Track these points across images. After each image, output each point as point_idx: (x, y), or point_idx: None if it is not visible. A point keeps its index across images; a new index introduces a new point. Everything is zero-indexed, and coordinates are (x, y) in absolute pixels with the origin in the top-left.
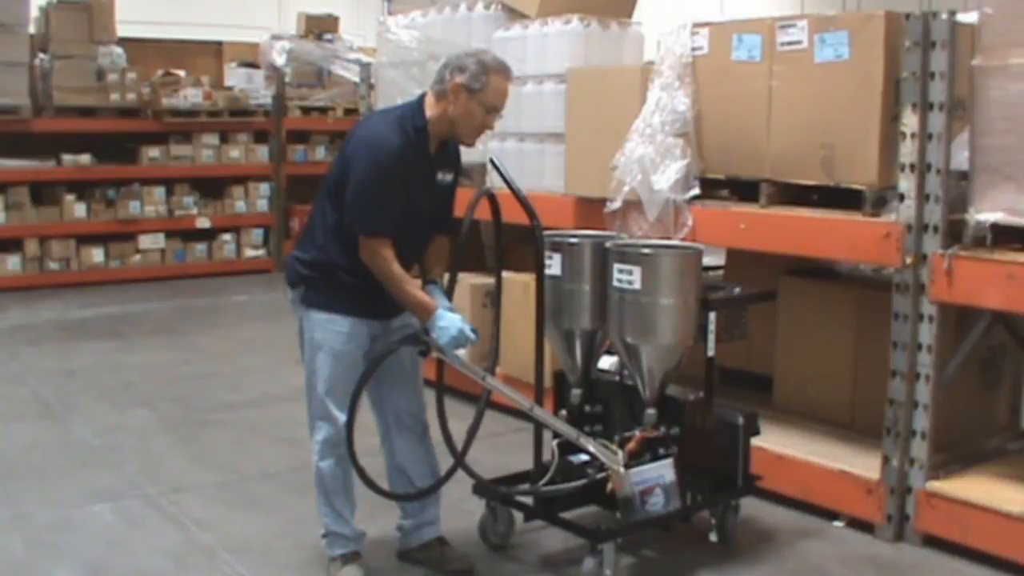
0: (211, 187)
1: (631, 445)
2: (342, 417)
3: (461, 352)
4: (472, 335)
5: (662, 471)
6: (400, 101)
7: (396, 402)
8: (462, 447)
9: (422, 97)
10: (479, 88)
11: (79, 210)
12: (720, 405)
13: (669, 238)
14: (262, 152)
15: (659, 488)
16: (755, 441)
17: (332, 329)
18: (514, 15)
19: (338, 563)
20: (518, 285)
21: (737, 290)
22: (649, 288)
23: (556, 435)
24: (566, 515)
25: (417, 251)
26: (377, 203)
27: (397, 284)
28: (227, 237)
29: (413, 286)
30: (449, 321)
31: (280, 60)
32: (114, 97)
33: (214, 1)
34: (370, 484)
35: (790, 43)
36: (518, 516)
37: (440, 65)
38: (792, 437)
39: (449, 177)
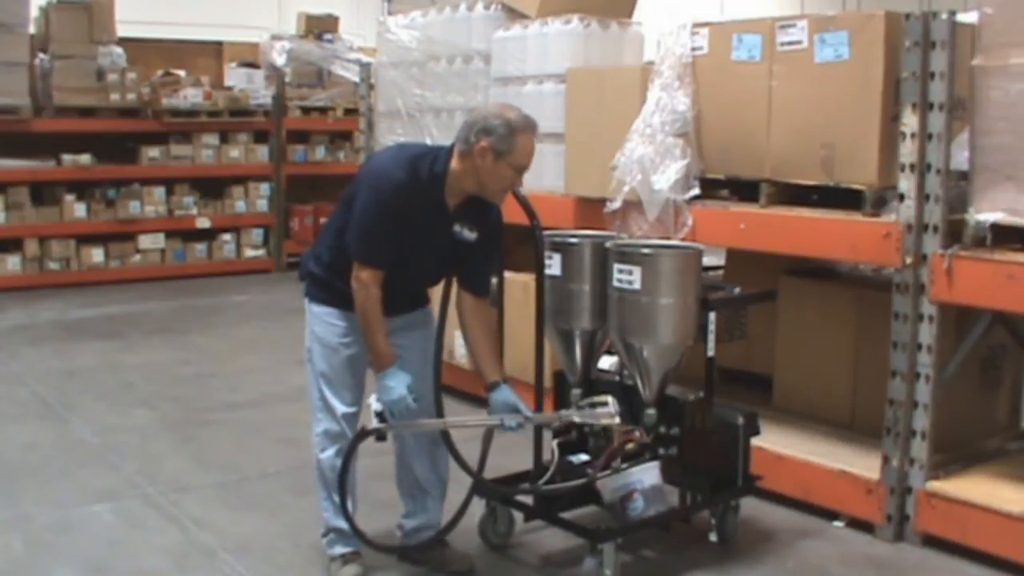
0: (211, 187)
1: (603, 459)
2: (340, 408)
3: None
4: (412, 404)
5: (641, 476)
6: (400, 102)
7: None
8: (478, 462)
9: (452, 147)
10: (506, 151)
11: (79, 210)
12: (720, 405)
13: (669, 238)
14: (262, 152)
15: (638, 493)
16: (755, 441)
17: (331, 323)
18: (514, 15)
19: (338, 562)
20: (518, 285)
21: (737, 290)
22: (649, 288)
23: (556, 435)
24: (566, 515)
25: (418, 293)
26: (371, 235)
27: (368, 322)
28: (227, 237)
29: (382, 333)
30: (397, 381)
31: (280, 60)
32: (114, 97)
33: (214, 1)
34: (362, 536)
35: (790, 43)
36: (518, 516)
37: (465, 122)
38: (792, 437)
39: (473, 236)
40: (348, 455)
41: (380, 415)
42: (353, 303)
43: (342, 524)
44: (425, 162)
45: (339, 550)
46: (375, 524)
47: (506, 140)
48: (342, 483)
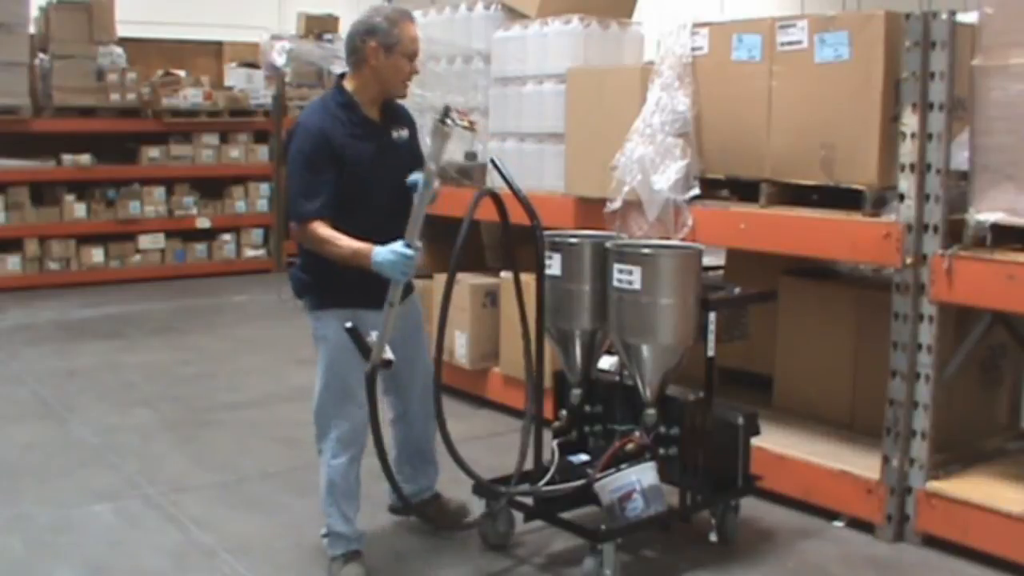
0: (211, 187)
1: (605, 458)
2: (356, 412)
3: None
4: (408, 250)
5: (640, 475)
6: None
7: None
8: (517, 463)
9: (340, 77)
10: (395, 43)
11: (79, 210)
12: (720, 405)
13: (669, 238)
14: (262, 152)
15: (637, 493)
16: (755, 441)
17: (333, 323)
18: (514, 15)
19: (339, 562)
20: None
21: (737, 290)
22: (649, 288)
23: (556, 435)
24: (566, 515)
25: (399, 217)
26: (305, 188)
27: (332, 245)
28: (227, 237)
29: (345, 239)
30: (384, 255)
31: (280, 60)
32: (114, 97)
33: (214, 1)
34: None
35: (790, 43)
36: (518, 516)
37: (345, 39)
38: (792, 437)
39: (405, 133)
40: (372, 408)
41: (387, 363)
42: (350, 295)
43: (344, 530)
44: (328, 99)
45: (340, 550)
46: (376, 523)
47: (391, 33)
48: (379, 446)
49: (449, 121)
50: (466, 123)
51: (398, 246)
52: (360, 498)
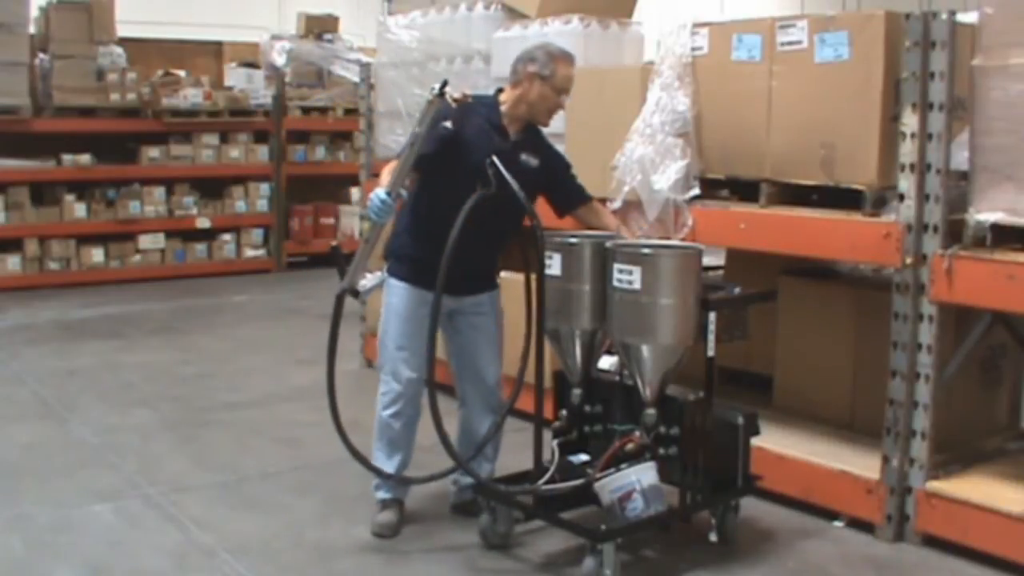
0: (211, 187)
1: (605, 458)
2: (406, 373)
3: None
4: (385, 196)
5: (640, 475)
6: (400, 102)
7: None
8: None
9: (499, 90)
10: (549, 75)
11: (79, 210)
12: (720, 405)
13: (669, 238)
14: (262, 152)
15: (637, 493)
16: (755, 441)
17: (404, 295)
18: (514, 15)
19: (378, 507)
20: (518, 285)
21: (737, 290)
22: (649, 288)
23: (556, 435)
24: (566, 515)
25: (489, 251)
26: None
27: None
28: (227, 237)
29: (388, 174)
30: (371, 195)
31: (280, 60)
32: (114, 97)
33: (214, 1)
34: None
35: (790, 43)
36: (518, 516)
37: (513, 61)
38: (792, 437)
39: (535, 162)
40: (333, 331)
41: (355, 292)
42: (415, 273)
43: (385, 465)
44: (478, 100)
45: (381, 495)
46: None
47: (548, 65)
48: (331, 380)
49: (436, 90)
50: (453, 99)
51: (380, 191)
52: (406, 451)
